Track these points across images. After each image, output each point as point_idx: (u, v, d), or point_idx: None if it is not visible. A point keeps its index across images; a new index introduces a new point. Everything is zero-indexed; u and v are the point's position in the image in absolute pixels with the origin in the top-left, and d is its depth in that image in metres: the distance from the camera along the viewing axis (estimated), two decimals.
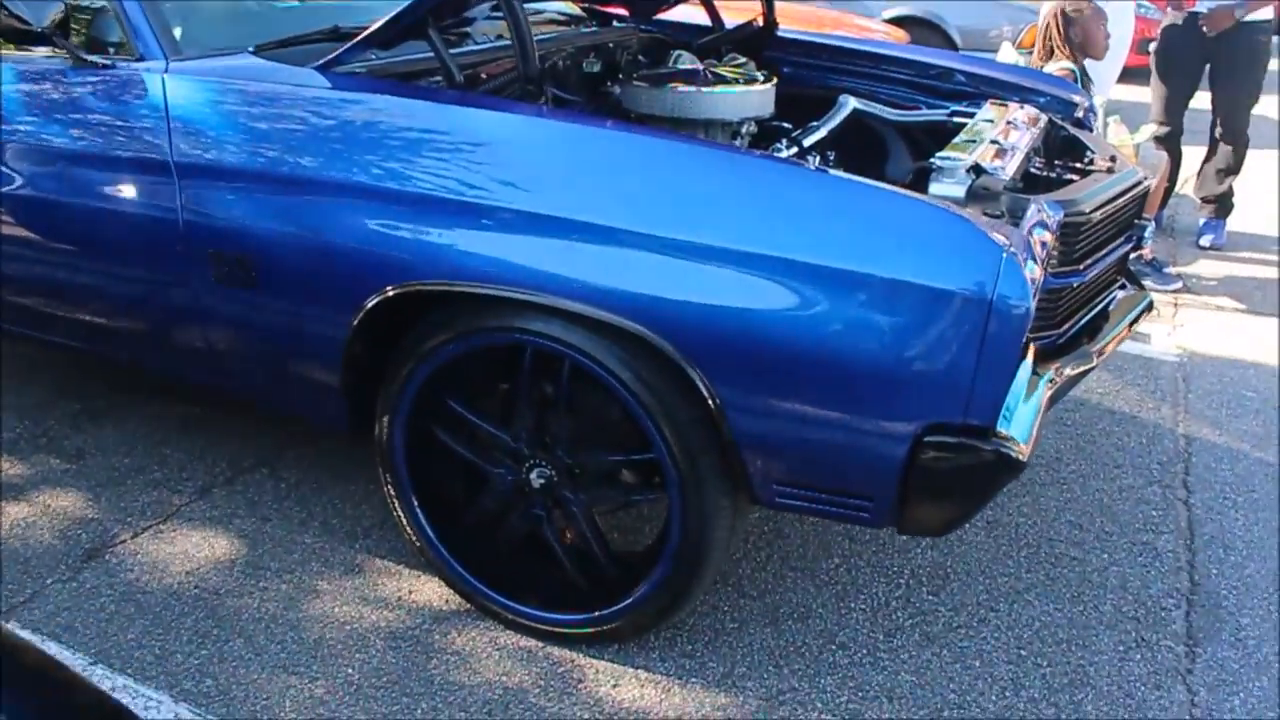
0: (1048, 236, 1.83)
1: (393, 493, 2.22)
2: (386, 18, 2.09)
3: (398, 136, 1.93)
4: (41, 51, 2.40)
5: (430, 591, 2.33)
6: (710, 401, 1.77)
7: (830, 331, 1.64)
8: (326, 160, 1.98)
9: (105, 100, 2.27)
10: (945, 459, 1.66)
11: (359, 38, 2.14)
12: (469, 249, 1.85)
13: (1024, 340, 1.62)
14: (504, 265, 1.82)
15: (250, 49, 2.29)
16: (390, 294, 1.96)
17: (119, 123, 2.24)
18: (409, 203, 1.90)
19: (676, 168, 1.77)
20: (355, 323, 2.02)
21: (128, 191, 2.24)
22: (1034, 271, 1.64)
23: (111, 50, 2.31)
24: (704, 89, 2.56)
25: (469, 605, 2.27)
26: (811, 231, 1.65)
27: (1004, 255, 1.57)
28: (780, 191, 1.70)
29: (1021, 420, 1.69)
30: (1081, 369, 2.06)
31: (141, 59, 2.25)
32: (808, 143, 2.55)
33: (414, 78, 2.32)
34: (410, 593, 2.34)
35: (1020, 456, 1.65)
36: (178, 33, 2.39)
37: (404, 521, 2.24)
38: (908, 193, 1.72)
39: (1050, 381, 1.90)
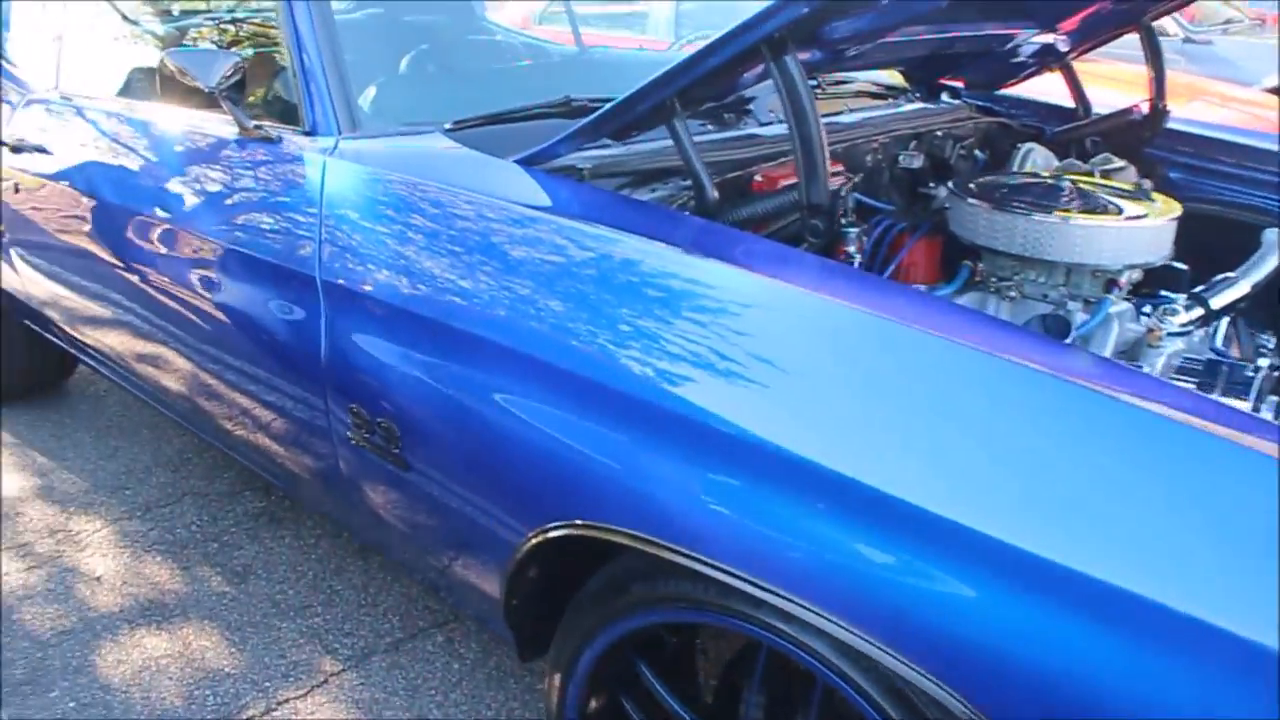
0: None
1: None
2: (616, 100, 1.43)
3: (605, 292, 1.26)
4: (212, 116, 1.91)
5: None
6: None
7: None
8: (503, 311, 1.34)
9: (261, 183, 1.75)
10: None
11: (576, 126, 1.49)
12: (692, 501, 1.15)
13: None
14: (736, 539, 1.11)
15: (446, 126, 1.70)
16: (579, 528, 1.29)
17: (272, 214, 1.71)
18: (612, 404, 1.23)
19: (1017, 410, 0.98)
20: (527, 548, 1.37)
21: (273, 303, 1.71)
22: None
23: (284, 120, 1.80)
24: (1070, 216, 1.71)
25: None
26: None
27: None
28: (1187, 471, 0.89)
29: None
30: None
31: (310, 133, 1.71)
32: (1217, 303, 1.68)
33: (654, 179, 1.64)
34: None
35: None
36: (369, 96, 1.84)
37: None
38: None
39: None
